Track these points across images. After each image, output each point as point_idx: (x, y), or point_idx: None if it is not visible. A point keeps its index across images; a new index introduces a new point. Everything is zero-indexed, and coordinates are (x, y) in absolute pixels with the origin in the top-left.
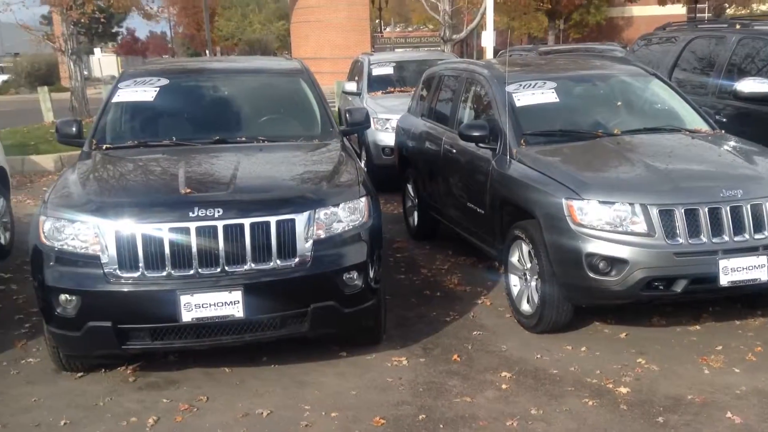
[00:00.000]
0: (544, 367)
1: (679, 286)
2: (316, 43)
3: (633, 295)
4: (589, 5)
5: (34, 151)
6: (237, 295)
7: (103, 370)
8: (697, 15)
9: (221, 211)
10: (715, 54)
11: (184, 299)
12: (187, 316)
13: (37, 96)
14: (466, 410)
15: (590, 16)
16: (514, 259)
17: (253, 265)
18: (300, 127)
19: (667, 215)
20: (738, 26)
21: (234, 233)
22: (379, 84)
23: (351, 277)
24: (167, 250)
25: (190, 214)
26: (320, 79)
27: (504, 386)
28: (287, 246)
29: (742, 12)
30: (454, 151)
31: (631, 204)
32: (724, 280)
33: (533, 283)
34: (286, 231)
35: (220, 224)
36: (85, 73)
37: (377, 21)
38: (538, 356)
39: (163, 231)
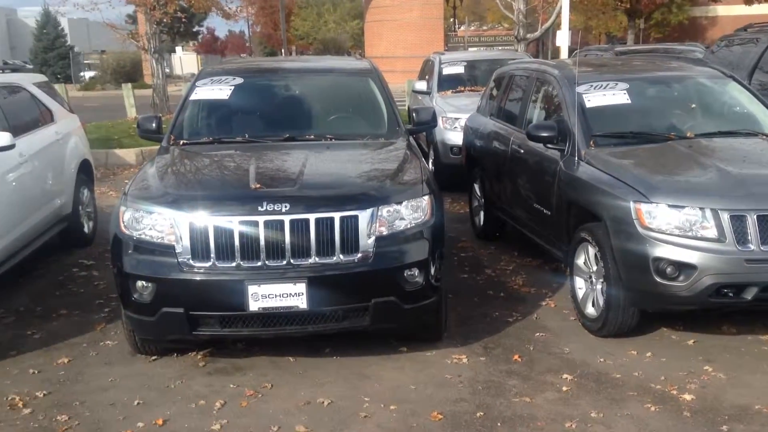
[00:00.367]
0: (607, 371)
1: (750, 294)
2: (389, 42)
3: (701, 301)
4: (671, 4)
5: (117, 145)
6: (301, 287)
7: (175, 354)
8: None
9: (288, 206)
10: None
11: (251, 289)
12: (254, 306)
13: (122, 92)
14: (525, 410)
15: (672, 15)
16: (579, 261)
17: (317, 258)
18: (367, 125)
19: (738, 221)
20: None
21: (300, 228)
22: (449, 83)
23: (412, 273)
24: (237, 242)
25: (259, 209)
26: (392, 78)
27: (564, 388)
28: (350, 241)
29: None
30: (522, 151)
31: (701, 208)
32: None
33: (599, 287)
34: (350, 227)
35: (286, 219)
36: (167, 70)
37: (451, 20)
38: (602, 360)
39: (234, 224)
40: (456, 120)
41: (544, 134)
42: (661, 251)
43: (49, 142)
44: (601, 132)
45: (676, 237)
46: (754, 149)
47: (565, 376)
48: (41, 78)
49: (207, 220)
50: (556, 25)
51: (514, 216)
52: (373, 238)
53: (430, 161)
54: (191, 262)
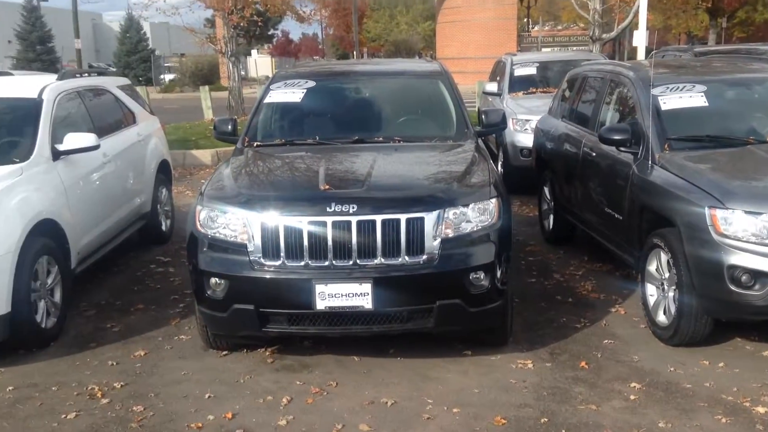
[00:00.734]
0: (677, 380)
1: None
2: (460, 43)
3: None
4: (756, 2)
5: (194, 146)
6: (367, 287)
7: (245, 350)
8: None
9: (355, 207)
10: None
11: (318, 288)
12: (320, 305)
13: (199, 94)
14: (591, 418)
15: (757, 14)
16: (651, 267)
17: (383, 259)
18: (436, 127)
19: None
20: None
21: (366, 229)
22: (521, 84)
23: (478, 277)
24: (306, 242)
25: (328, 209)
26: (463, 79)
27: (632, 397)
28: (416, 243)
29: None
30: (594, 154)
31: None
32: None
33: (671, 294)
34: (416, 228)
35: (354, 220)
36: (242, 73)
37: (525, 20)
38: (672, 369)
39: (303, 224)
40: (526, 122)
41: (618, 137)
42: (736, 259)
43: (131, 143)
44: (677, 135)
45: (752, 244)
46: None
47: (633, 384)
48: (124, 81)
49: (278, 220)
50: (634, 25)
51: (584, 220)
52: (438, 240)
53: (499, 163)
54: (262, 260)
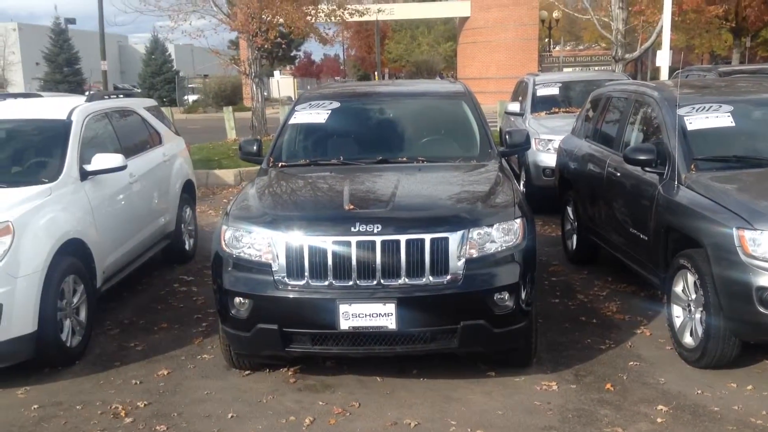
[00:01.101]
0: (705, 403)
1: None
2: (481, 64)
3: None
4: None
5: (217, 166)
6: (391, 307)
7: (268, 370)
8: None
9: (380, 227)
10: None
11: (342, 308)
12: (344, 324)
13: (222, 115)
14: None
15: None
16: (678, 289)
17: (407, 279)
18: (459, 148)
19: None
20: None
21: (390, 248)
22: (543, 104)
23: (502, 297)
24: (330, 262)
25: (352, 229)
26: (484, 99)
27: (659, 420)
28: (440, 263)
29: None
30: (618, 174)
31: None
32: None
33: (698, 316)
34: (440, 249)
35: (378, 239)
36: (265, 94)
37: (546, 40)
38: (699, 392)
39: (327, 244)
40: (549, 142)
41: (643, 157)
42: (765, 280)
43: (157, 164)
44: (703, 156)
45: None
46: None
47: (660, 407)
48: (151, 102)
49: (302, 239)
50: (657, 45)
51: (608, 240)
52: (463, 260)
53: (522, 183)
54: (286, 280)
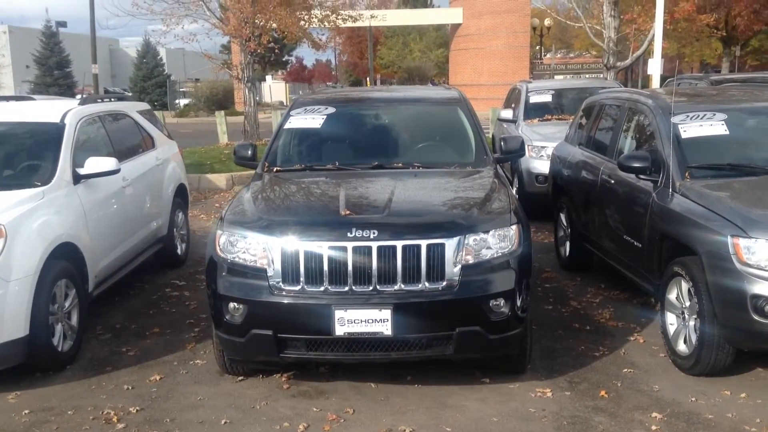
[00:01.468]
0: (699, 411)
1: None
2: (473, 70)
3: None
4: None
5: (209, 170)
6: (386, 313)
7: (261, 375)
8: None
9: (376, 232)
10: None
11: (338, 314)
12: (339, 330)
13: (213, 119)
14: None
15: None
16: (671, 296)
17: (402, 285)
18: (455, 154)
19: None
20: None
21: (387, 254)
22: (536, 111)
23: (498, 304)
24: (326, 267)
25: (348, 235)
26: (476, 106)
27: (654, 427)
28: (436, 269)
29: None
30: (612, 181)
31: None
32: None
33: (691, 323)
34: (436, 255)
35: (374, 245)
36: (257, 98)
37: (537, 47)
38: (693, 399)
39: (323, 249)
40: (542, 148)
41: (637, 165)
42: (760, 288)
43: (150, 167)
44: (697, 163)
45: None
46: None
47: (654, 414)
48: (144, 106)
49: (298, 244)
50: (648, 53)
51: (601, 247)
52: (459, 266)
53: (514, 189)
54: (281, 285)
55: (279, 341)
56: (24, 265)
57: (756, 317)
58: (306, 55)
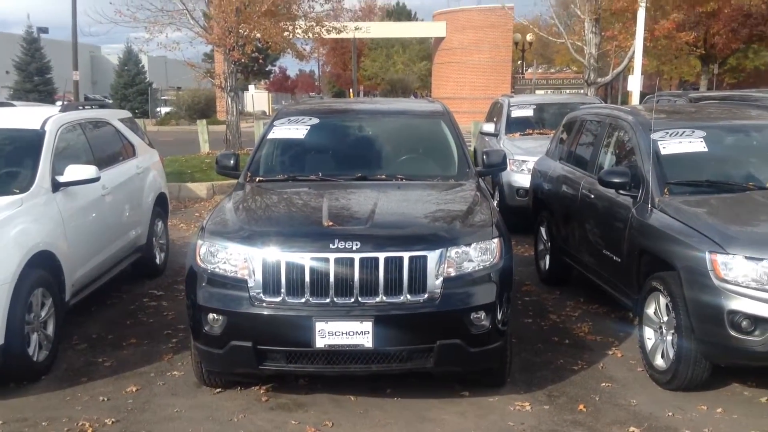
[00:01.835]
0: (676, 425)
1: None
2: (456, 84)
3: None
4: (747, 49)
5: (190, 179)
6: (368, 325)
7: (239, 387)
8: None
9: (359, 244)
10: None
11: (319, 326)
12: (320, 342)
13: (194, 127)
14: None
15: (748, 60)
16: (650, 311)
17: (384, 297)
18: (437, 167)
19: None
20: None
21: (369, 266)
22: (517, 126)
23: (479, 317)
24: (307, 278)
25: (331, 246)
26: (458, 119)
27: None
28: (418, 281)
29: None
30: (592, 196)
31: None
32: None
33: (669, 338)
34: (418, 267)
35: (356, 257)
36: (239, 107)
37: (519, 62)
38: (670, 414)
39: (305, 260)
40: (523, 162)
41: (617, 180)
42: (736, 304)
43: (130, 176)
44: (676, 180)
45: (752, 290)
46: None
47: (631, 429)
48: (126, 114)
49: (279, 255)
50: (628, 69)
51: (581, 261)
52: (440, 279)
53: (496, 203)
54: (262, 296)
55: (258, 353)
56: (0, 273)
57: (732, 332)
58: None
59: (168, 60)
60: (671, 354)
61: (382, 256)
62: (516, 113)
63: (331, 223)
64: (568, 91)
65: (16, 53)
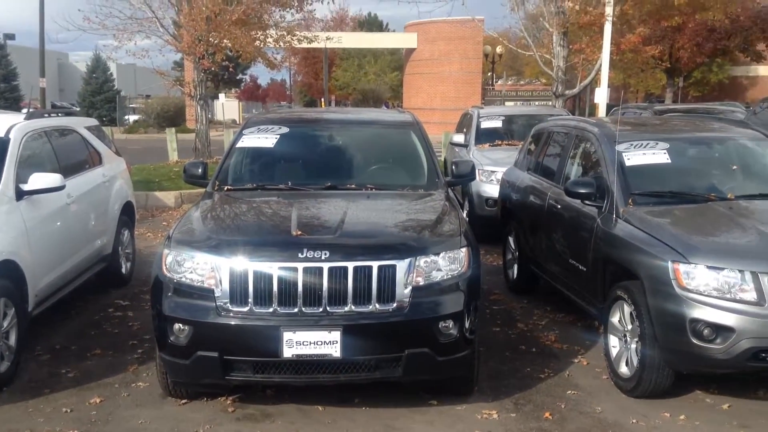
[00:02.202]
0: None
1: None
2: (427, 95)
3: (738, 365)
4: (711, 63)
5: (158, 188)
6: (336, 335)
7: (205, 398)
8: None
9: (328, 253)
10: None
11: (286, 336)
12: (288, 352)
13: (163, 136)
14: None
15: (712, 74)
16: (614, 319)
17: (353, 307)
18: (407, 176)
19: None
20: None
21: (338, 275)
22: (487, 137)
23: (447, 325)
24: (275, 288)
25: (299, 255)
26: (429, 130)
27: None
28: (387, 291)
29: None
30: (559, 206)
31: (740, 271)
32: None
33: (633, 346)
34: (387, 276)
35: (325, 266)
36: (209, 116)
37: (489, 74)
38: (634, 421)
39: (273, 269)
40: (492, 173)
41: (583, 191)
42: (698, 312)
43: (96, 184)
44: (640, 191)
45: (714, 299)
46: None
47: None
48: (92, 122)
49: (247, 265)
50: (595, 82)
51: (548, 271)
52: (409, 288)
53: (465, 212)
54: (229, 306)
55: (225, 363)
56: None
57: (694, 340)
58: (261, 74)
59: (137, 68)
60: (635, 362)
61: (351, 265)
62: (485, 124)
63: (300, 233)
64: (537, 102)
65: None
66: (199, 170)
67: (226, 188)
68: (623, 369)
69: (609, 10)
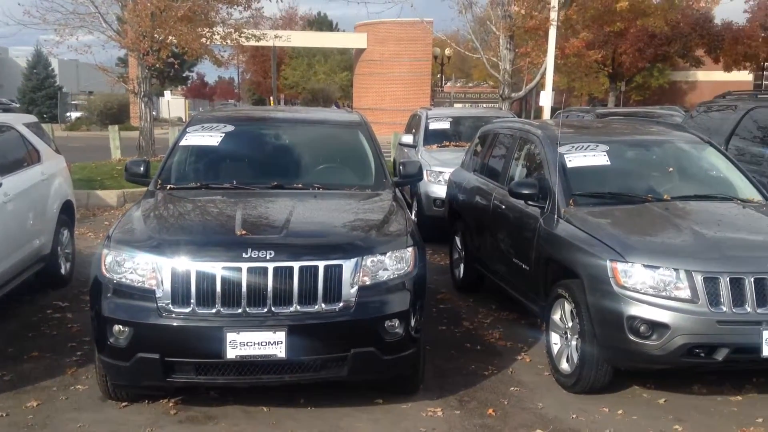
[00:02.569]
0: (579, 427)
1: (721, 355)
2: (377, 95)
3: (673, 360)
4: (653, 68)
5: (99, 186)
6: (281, 335)
7: (147, 401)
8: (765, 82)
9: (273, 253)
10: None
11: (230, 336)
12: (231, 353)
13: (106, 133)
14: None
15: (653, 79)
16: (556, 317)
17: (299, 307)
18: (354, 176)
19: (711, 282)
20: None
21: (283, 275)
22: (435, 138)
23: (392, 324)
24: (218, 288)
25: (243, 255)
26: (379, 130)
27: None
28: (333, 291)
29: None
30: (503, 207)
31: (675, 269)
32: (767, 351)
33: (574, 343)
34: (333, 276)
35: (270, 266)
36: (154, 113)
37: (438, 76)
38: (574, 416)
39: (217, 269)
40: (440, 174)
41: (526, 191)
42: (635, 310)
43: (34, 183)
44: (581, 191)
45: (650, 296)
46: (728, 213)
47: (537, 431)
48: (31, 118)
49: (189, 265)
50: (540, 85)
51: (493, 270)
52: (355, 287)
53: (413, 213)
54: (171, 307)
55: (166, 365)
56: None
57: (631, 337)
58: (208, 71)
59: (80, 64)
60: (575, 358)
61: (296, 265)
62: (433, 125)
63: (244, 232)
64: (484, 105)
65: None
66: (141, 168)
67: (168, 187)
68: (564, 365)
69: (554, 15)
